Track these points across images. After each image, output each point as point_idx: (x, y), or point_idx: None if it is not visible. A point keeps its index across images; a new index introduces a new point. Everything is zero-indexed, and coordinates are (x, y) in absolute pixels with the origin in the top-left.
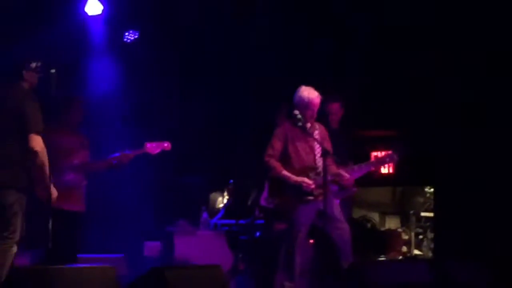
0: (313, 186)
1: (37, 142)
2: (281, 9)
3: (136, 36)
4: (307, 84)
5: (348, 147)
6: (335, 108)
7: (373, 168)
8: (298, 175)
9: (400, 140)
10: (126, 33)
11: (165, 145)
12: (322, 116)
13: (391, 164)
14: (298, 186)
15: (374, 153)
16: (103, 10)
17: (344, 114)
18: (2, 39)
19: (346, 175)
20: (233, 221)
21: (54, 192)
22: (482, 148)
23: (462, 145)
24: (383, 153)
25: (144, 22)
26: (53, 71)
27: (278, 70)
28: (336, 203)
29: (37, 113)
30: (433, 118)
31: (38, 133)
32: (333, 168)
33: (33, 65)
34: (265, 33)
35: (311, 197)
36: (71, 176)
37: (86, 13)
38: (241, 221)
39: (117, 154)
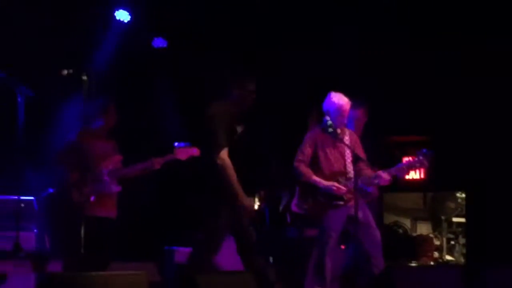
0: (343, 191)
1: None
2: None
3: (165, 45)
4: (336, 90)
5: (375, 153)
6: (359, 114)
7: (401, 172)
8: (328, 180)
9: (427, 145)
10: (156, 39)
11: (194, 151)
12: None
13: (422, 169)
14: (329, 191)
15: (405, 159)
16: (131, 18)
17: (371, 119)
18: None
19: (387, 176)
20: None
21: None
22: None
23: (493, 149)
24: (411, 158)
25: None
26: (84, 77)
27: (304, 75)
28: (367, 209)
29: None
30: (464, 123)
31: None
32: (369, 172)
33: (251, 86)
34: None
35: (341, 202)
36: (106, 182)
37: (116, 20)
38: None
39: (148, 160)
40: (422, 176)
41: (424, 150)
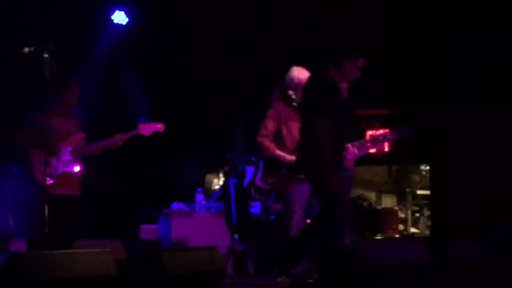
0: None
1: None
2: None
3: (127, 20)
4: (301, 65)
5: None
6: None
7: (371, 148)
8: (291, 154)
9: (400, 120)
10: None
11: (158, 126)
12: None
13: (386, 143)
14: (291, 165)
15: (369, 132)
16: None
17: None
18: None
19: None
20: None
21: None
22: (478, 124)
23: (457, 121)
24: (380, 131)
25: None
26: (46, 55)
27: (274, 50)
28: None
29: (319, 98)
30: (429, 95)
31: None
32: None
33: (360, 62)
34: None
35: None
36: (68, 160)
37: None
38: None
39: (111, 137)
40: (387, 149)
41: (401, 128)
